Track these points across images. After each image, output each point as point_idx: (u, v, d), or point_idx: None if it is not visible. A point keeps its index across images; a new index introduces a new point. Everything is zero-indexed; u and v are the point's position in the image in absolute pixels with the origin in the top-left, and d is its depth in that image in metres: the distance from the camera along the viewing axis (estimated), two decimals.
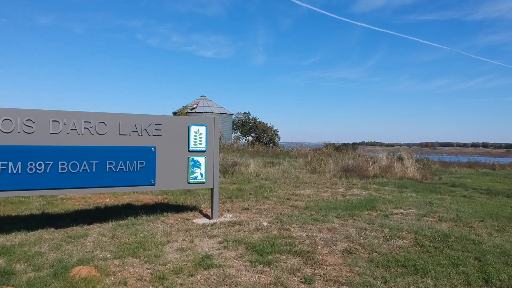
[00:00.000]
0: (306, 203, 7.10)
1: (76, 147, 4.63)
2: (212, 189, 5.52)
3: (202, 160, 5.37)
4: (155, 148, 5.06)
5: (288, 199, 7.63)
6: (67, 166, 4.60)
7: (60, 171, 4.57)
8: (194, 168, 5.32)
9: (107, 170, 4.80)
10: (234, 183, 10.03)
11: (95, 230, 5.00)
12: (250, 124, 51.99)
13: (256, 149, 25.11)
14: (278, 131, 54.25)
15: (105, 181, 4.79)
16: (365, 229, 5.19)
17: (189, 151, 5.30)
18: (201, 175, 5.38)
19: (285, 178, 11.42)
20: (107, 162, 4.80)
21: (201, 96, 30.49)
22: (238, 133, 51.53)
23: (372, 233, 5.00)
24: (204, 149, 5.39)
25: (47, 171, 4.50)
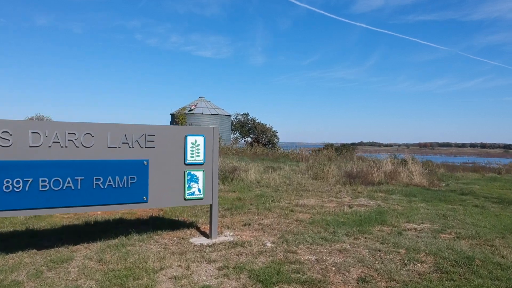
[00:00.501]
0: (311, 217, 6.63)
1: (59, 162, 4.15)
2: (210, 205, 5.04)
3: (200, 174, 4.89)
4: (147, 161, 4.58)
5: (291, 210, 7.16)
6: (49, 183, 4.11)
7: (41, 189, 4.08)
8: (191, 183, 4.84)
9: (94, 187, 4.31)
10: (233, 191, 9.55)
11: (82, 252, 4.52)
12: (249, 125, 51.57)
13: (256, 152, 24.65)
14: (277, 132, 53.77)
15: (92, 199, 4.31)
16: (379, 250, 4.72)
17: (185, 164, 4.82)
18: (199, 190, 4.90)
19: (286, 185, 10.95)
20: (94, 178, 4.31)
21: (199, 97, 30.03)
22: (237, 134, 51.07)
23: (388, 256, 4.53)
24: (202, 161, 4.91)
25: (26, 189, 4.01)
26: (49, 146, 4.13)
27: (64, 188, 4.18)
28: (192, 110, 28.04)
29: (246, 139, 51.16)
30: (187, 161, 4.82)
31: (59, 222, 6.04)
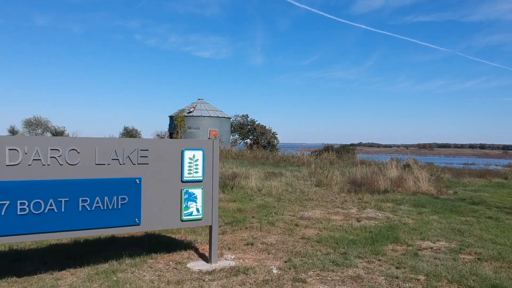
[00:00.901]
0: (318, 233, 6.18)
1: (40, 182, 3.69)
2: (210, 226, 4.59)
3: (198, 192, 4.44)
4: (140, 179, 4.13)
5: (296, 225, 6.71)
6: (29, 206, 3.65)
7: (19, 212, 3.62)
8: (189, 202, 4.38)
9: (80, 209, 3.86)
10: (234, 201, 9.10)
11: (67, 280, 4.06)
12: (249, 127, 51.16)
13: (255, 155, 24.20)
14: (276, 134, 53.41)
15: (78, 222, 3.85)
16: (396, 277, 4.27)
17: (182, 181, 4.37)
18: (197, 210, 4.44)
19: (289, 193, 10.51)
20: (80, 199, 3.85)
21: (198, 99, 29.58)
22: (236, 136, 50.69)
23: (407, 285, 4.08)
24: (201, 178, 4.46)
25: (2, 214, 3.56)
26: (29, 165, 3.67)
27: (46, 211, 3.72)
28: (191, 112, 27.59)
29: (246, 140, 50.75)
30: (184, 178, 4.36)
31: (46, 240, 5.58)
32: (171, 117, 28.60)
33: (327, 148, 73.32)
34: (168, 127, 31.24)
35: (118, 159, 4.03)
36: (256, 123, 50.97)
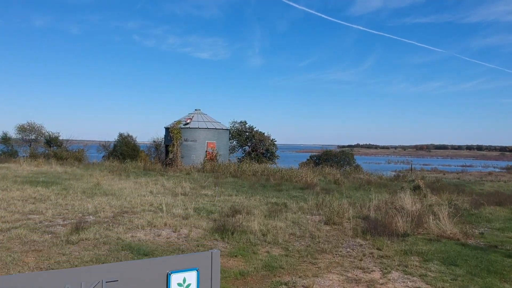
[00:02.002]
0: None
1: None
2: None
3: None
4: None
5: None
6: None
7: None
8: None
9: None
10: (235, 255, 7.82)
11: None
12: (247, 134, 49.88)
13: (255, 171, 22.89)
14: (275, 141, 52.25)
15: None
16: None
17: None
18: None
19: (297, 238, 9.25)
20: None
21: (195, 109, 28.31)
22: (234, 143, 49.43)
23: None
24: None
25: None
26: None
27: None
28: (187, 123, 26.29)
29: (244, 148, 49.50)
30: None
31: None
32: (167, 129, 27.29)
33: (327, 153, 72.10)
34: (164, 139, 29.93)
35: None
36: (255, 129, 49.72)
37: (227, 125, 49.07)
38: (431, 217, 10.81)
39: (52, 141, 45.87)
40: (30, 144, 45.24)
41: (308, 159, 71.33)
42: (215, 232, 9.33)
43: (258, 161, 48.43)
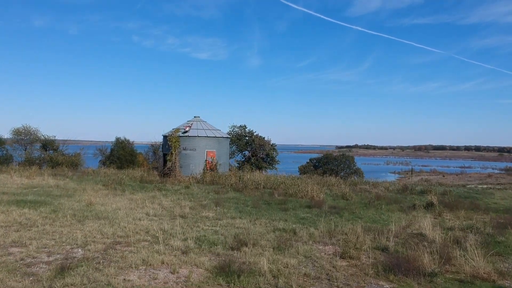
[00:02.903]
0: None
1: None
2: None
3: None
4: None
5: None
6: None
7: None
8: None
9: None
10: None
11: None
12: (247, 138, 48.81)
13: (257, 183, 21.76)
14: (275, 145, 51.34)
15: None
16: None
17: None
18: None
19: (312, 281, 8.14)
20: None
21: (194, 116, 27.20)
22: (234, 148, 48.40)
23: None
24: None
25: None
26: None
27: None
28: (186, 132, 25.16)
29: (244, 152, 48.42)
30: None
31: None
32: (165, 137, 26.17)
33: (326, 156, 70.96)
34: (161, 147, 28.77)
35: None
36: (255, 134, 48.66)
37: (226, 129, 47.97)
38: (457, 251, 9.75)
39: (48, 145, 44.62)
40: (26, 148, 44.05)
41: (307, 162, 70.23)
42: (219, 274, 8.21)
43: (258, 166, 47.33)
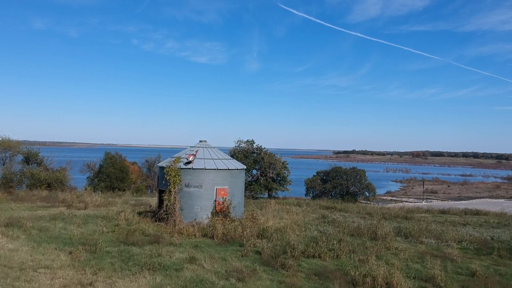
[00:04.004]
0: None
1: None
2: None
3: None
4: None
5: None
6: None
7: None
8: None
9: None
10: None
11: None
12: (255, 155, 42.59)
13: (290, 246, 15.66)
14: (287, 163, 45.11)
15: None
16: None
17: None
18: None
19: None
20: None
21: (200, 141, 21.18)
22: None
23: None
24: None
25: None
26: None
27: None
28: (190, 162, 19.03)
29: (251, 171, 42.34)
30: None
31: None
32: (161, 168, 20.04)
33: (336, 170, 64.55)
34: (157, 181, 22.58)
35: None
36: (264, 150, 42.55)
37: (232, 145, 41.87)
38: None
39: (30, 158, 38.66)
40: (4, 163, 37.84)
41: (314, 176, 64.38)
42: None
43: (267, 187, 41.33)
